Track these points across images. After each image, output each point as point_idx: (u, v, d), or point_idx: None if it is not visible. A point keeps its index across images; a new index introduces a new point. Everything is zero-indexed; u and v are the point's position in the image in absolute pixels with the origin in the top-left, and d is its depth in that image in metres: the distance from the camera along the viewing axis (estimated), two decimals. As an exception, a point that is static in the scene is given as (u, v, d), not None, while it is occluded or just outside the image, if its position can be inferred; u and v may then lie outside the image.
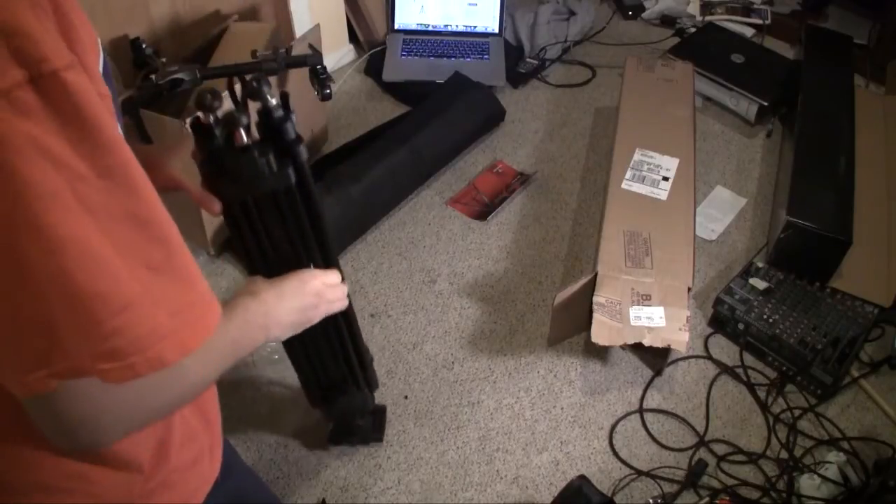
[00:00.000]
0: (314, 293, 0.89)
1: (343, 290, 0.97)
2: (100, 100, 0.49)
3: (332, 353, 1.20)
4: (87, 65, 0.50)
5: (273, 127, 0.84)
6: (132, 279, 0.52)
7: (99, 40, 0.59)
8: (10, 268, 0.48)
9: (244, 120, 0.80)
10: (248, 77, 0.89)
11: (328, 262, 1.01)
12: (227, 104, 0.90)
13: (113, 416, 0.58)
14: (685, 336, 1.53)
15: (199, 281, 0.57)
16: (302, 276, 0.89)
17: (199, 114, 0.80)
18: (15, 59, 0.45)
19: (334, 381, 1.26)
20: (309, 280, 0.89)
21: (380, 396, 1.67)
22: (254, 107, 0.85)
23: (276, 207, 0.90)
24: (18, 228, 0.47)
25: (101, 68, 0.57)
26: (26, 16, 0.46)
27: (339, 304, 0.96)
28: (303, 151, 0.87)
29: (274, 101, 0.84)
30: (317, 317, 0.91)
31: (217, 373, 0.68)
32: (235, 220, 0.90)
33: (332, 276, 0.95)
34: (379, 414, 1.59)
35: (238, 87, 1.09)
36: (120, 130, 0.53)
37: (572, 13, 2.62)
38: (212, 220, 1.85)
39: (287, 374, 1.70)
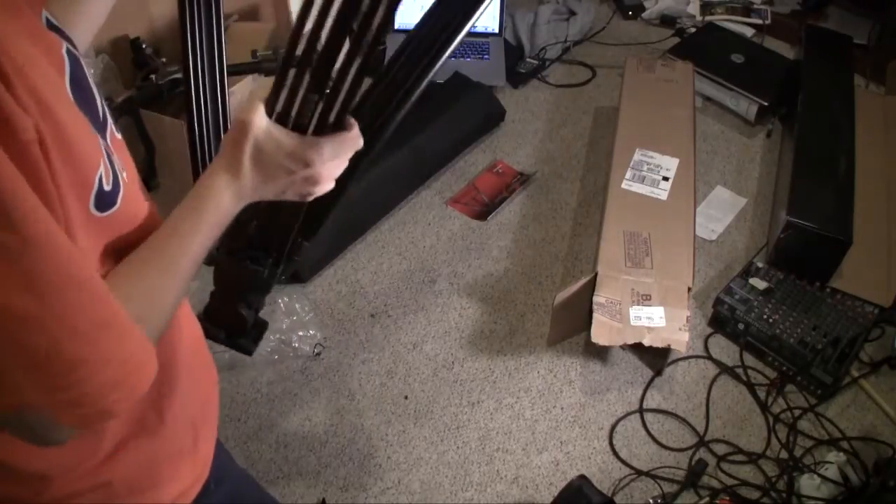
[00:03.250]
0: (303, 180, 0.71)
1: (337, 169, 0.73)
2: (12, 172, 0.48)
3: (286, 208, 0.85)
4: (32, 101, 0.50)
5: None
6: (80, 340, 0.53)
7: (66, 48, 0.59)
8: None
9: None
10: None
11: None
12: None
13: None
14: (685, 336, 1.53)
15: (133, 328, 0.58)
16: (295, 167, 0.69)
17: None
18: None
19: (261, 240, 0.90)
20: (302, 169, 0.69)
21: (380, 396, 1.67)
22: None
23: None
24: None
25: (67, 79, 0.57)
26: None
27: (325, 187, 0.74)
28: None
29: None
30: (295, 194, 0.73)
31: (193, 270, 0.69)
32: None
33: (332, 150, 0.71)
34: (260, 327, 1.09)
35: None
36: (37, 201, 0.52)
37: (572, 13, 2.62)
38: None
39: (286, 373, 1.70)
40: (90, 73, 0.64)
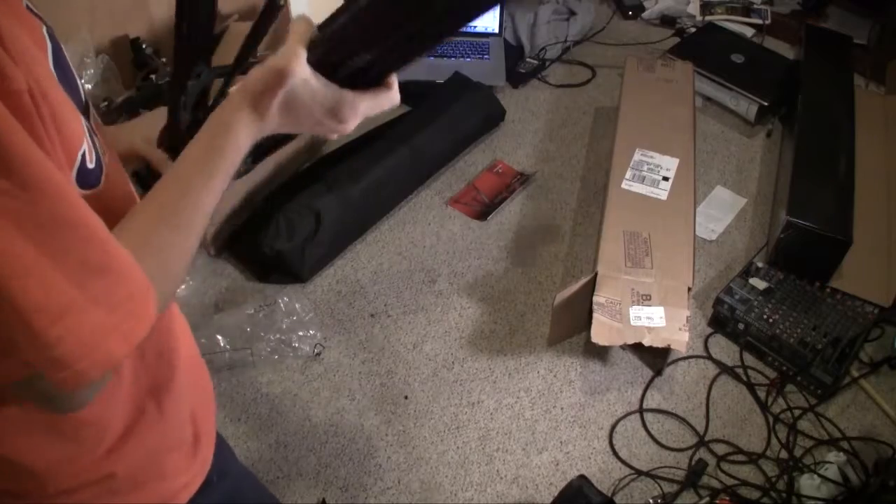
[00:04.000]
0: (328, 128, 0.68)
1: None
2: (7, 116, 0.48)
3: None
4: (22, 62, 0.50)
5: None
6: (68, 284, 0.51)
7: (46, 30, 0.59)
8: None
9: None
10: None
11: None
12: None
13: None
14: (685, 336, 1.53)
15: (134, 269, 0.56)
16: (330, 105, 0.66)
17: None
18: None
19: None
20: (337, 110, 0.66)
21: (380, 396, 1.67)
22: None
23: None
24: None
25: (49, 58, 0.56)
26: None
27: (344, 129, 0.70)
28: None
29: None
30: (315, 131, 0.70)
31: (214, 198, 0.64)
32: None
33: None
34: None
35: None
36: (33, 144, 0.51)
37: (572, 13, 2.62)
38: (212, 222, 1.85)
39: (286, 373, 1.70)
40: (88, 73, 0.64)
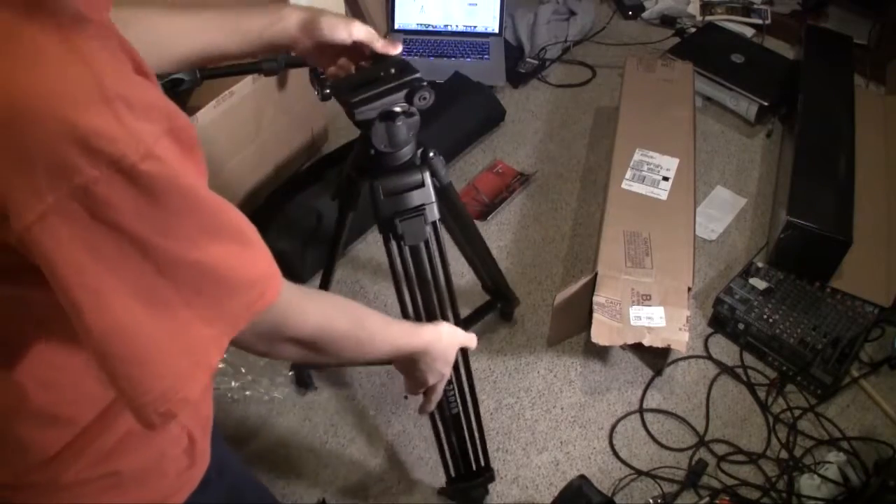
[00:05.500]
0: (454, 349, 1.02)
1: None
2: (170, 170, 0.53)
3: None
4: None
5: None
6: (161, 330, 0.57)
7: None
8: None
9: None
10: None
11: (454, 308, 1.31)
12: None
13: None
14: (685, 336, 1.53)
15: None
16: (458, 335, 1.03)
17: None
18: (92, 159, 0.49)
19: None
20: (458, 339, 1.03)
21: (380, 396, 1.67)
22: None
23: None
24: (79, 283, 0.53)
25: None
26: (101, 114, 0.49)
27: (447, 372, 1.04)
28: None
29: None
30: (443, 369, 1.01)
31: (371, 357, 0.88)
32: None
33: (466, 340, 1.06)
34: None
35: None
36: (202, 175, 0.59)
37: (572, 13, 2.62)
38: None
39: (286, 373, 1.70)
40: None
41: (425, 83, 1.07)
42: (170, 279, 0.55)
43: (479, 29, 2.52)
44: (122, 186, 0.50)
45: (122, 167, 0.50)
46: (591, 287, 1.62)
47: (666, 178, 1.84)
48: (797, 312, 1.70)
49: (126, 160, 0.50)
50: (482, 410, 1.64)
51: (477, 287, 1.80)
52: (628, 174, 1.86)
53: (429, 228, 1.19)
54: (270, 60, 1.57)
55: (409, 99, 1.08)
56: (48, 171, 0.48)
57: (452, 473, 1.41)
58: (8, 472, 0.70)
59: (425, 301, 1.24)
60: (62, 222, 0.50)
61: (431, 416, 1.38)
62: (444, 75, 2.29)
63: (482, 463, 1.42)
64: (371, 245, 1.98)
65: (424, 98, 1.08)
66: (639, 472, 1.54)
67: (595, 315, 1.56)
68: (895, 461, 1.50)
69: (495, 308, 1.77)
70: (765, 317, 1.69)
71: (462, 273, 1.83)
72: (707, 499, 1.49)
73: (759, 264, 1.81)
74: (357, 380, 1.70)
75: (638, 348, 1.68)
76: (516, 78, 2.46)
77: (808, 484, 1.48)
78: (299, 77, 1.88)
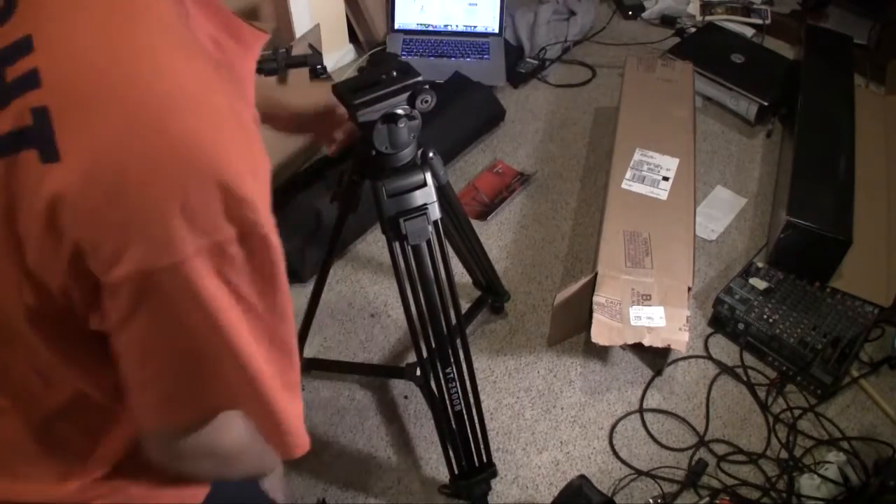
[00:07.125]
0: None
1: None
2: (279, 248, 0.60)
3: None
4: None
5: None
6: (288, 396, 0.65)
7: None
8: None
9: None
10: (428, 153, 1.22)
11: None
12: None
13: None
14: (685, 336, 1.53)
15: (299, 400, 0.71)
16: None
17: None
18: (233, 220, 0.55)
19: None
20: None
21: (380, 396, 1.67)
22: None
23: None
24: (203, 334, 0.59)
25: None
26: (248, 184, 0.56)
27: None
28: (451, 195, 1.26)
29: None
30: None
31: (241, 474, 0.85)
32: None
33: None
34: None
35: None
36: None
37: (572, 13, 2.62)
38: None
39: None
40: None
41: (427, 86, 1.07)
42: (271, 344, 0.62)
43: (479, 29, 2.52)
44: (248, 252, 0.57)
45: (255, 233, 0.57)
46: (591, 287, 1.62)
47: (666, 178, 1.85)
48: (797, 312, 1.70)
49: (261, 229, 0.57)
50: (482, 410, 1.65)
51: (469, 284, 1.80)
52: (628, 174, 1.86)
53: (431, 227, 1.19)
54: (270, 60, 1.57)
55: (411, 102, 1.08)
56: (196, 224, 0.54)
57: (455, 470, 1.41)
58: None
59: (428, 299, 1.24)
60: (195, 272, 0.55)
61: (435, 414, 1.38)
62: (444, 75, 2.29)
63: (485, 459, 1.42)
64: (371, 245, 1.98)
65: (426, 101, 1.09)
66: (639, 472, 1.54)
67: (595, 315, 1.56)
68: (895, 461, 1.50)
69: (486, 303, 1.77)
70: (765, 317, 1.69)
71: (462, 273, 1.84)
72: (707, 499, 1.49)
73: (759, 264, 1.81)
74: (357, 380, 1.70)
75: (638, 348, 1.68)
76: (516, 78, 2.46)
77: (808, 484, 1.48)
78: (299, 77, 1.88)
